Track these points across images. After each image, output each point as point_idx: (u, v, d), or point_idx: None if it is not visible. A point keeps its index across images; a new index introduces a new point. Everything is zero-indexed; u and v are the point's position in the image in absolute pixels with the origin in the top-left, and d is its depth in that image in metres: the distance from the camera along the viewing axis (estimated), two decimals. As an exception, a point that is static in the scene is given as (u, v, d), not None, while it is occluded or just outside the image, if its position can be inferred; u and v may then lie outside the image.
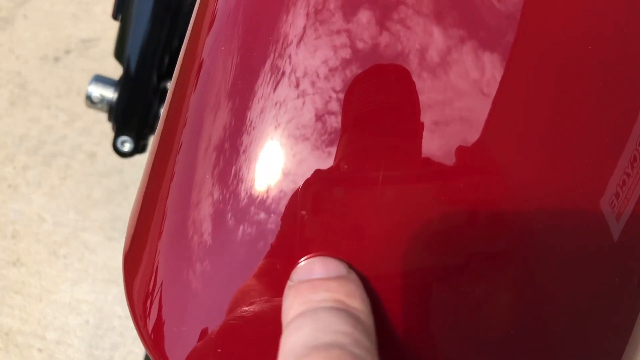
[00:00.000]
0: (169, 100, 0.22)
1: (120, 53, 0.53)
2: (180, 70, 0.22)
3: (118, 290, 0.82)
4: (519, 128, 0.19)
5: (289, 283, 0.18)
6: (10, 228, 0.86)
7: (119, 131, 0.52)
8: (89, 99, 0.53)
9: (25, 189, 0.91)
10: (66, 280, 0.82)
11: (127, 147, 0.53)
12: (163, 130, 0.22)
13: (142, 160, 0.72)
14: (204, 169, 0.19)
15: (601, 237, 0.19)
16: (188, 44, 0.22)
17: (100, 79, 0.53)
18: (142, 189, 0.22)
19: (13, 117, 0.99)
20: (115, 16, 0.53)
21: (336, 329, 0.16)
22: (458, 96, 0.19)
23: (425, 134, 0.19)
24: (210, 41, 0.21)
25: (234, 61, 0.20)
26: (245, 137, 0.19)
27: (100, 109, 0.53)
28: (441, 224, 0.18)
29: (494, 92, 0.19)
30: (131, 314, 0.20)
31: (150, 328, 0.19)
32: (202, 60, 0.21)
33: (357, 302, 0.17)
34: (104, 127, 0.97)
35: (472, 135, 0.19)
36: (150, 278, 0.20)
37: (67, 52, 1.08)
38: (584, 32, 0.19)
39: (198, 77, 0.21)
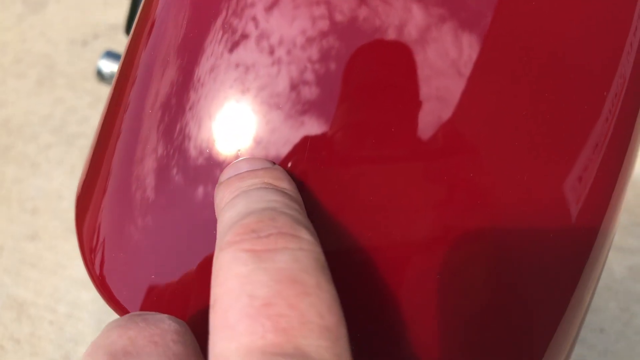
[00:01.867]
0: (122, 56, 0.22)
1: (129, 29, 0.52)
2: (135, 27, 0.21)
3: (129, 268, 0.82)
4: (491, 110, 0.19)
5: (218, 183, 0.18)
6: (31, 204, 0.87)
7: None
8: (100, 74, 0.52)
9: (46, 167, 0.91)
10: (80, 256, 0.83)
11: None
12: (115, 86, 0.22)
13: None
14: (149, 123, 0.19)
15: (560, 218, 0.18)
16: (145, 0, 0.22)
17: (110, 54, 0.52)
18: (94, 139, 0.22)
19: (39, 97, 1.00)
20: (127, 31, 0.53)
21: (268, 198, 0.16)
22: (434, 75, 0.18)
23: (394, 109, 0.18)
24: None
25: (185, 17, 0.19)
26: (191, 94, 0.19)
27: (110, 84, 0.53)
28: (409, 199, 0.18)
29: (470, 73, 0.19)
30: (80, 251, 0.21)
31: (96, 262, 0.20)
32: (155, 17, 0.20)
33: (285, 183, 0.17)
34: (125, 109, 0.97)
35: (446, 115, 0.18)
36: (97, 220, 0.20)
37: (95, 36, 1.09)
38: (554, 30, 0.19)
39: (150, 34, 0.20)
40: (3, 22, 1.10)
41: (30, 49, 1.06)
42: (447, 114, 0.17)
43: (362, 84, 0.18)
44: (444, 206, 0.18)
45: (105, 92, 0.96)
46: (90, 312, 0.78)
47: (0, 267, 0.81)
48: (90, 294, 0.80)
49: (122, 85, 0.21)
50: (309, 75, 0.18)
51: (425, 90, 0.18)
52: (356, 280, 0.18)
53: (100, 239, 0.20)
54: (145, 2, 0.21)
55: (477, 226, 0.18)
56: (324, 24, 0.18)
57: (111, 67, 0.52)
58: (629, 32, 0.19)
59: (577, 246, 0.19)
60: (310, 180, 0.18)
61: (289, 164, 0.18)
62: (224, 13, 0.19)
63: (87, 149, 0.92)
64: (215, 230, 0.18)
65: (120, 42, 1.08)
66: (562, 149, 0.19)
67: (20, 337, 0.76)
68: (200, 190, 0.18)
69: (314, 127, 0.18)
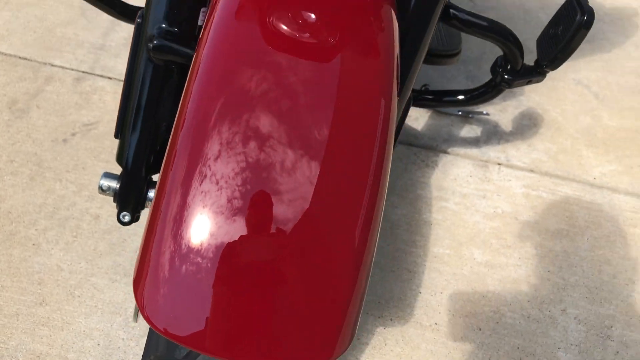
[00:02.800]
0: (157, 187, 0.48)
1: (120, 159, 0.77)
2: (162, 172, 0.48)
3: (121, 319, 1.06)
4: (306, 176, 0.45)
5: None
6: (37, 277, 1.10)
7: (121, 209, 0.77)
8: (101, 188, 0.77)
9: (46, 246, 1.14)
10: (81, 314, 1.06)
11: (127, 219, 0.78)
12: (153, 203, 0.47)
13: (135, 224, 1.02)
14: (170, 229, 0.45)
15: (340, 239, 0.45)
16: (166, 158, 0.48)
17: (108, 175, 0.77)
18: (142, 240, 0.47)
19: (33, 190, 1.23)
20: (116, 136, 0.78)
21: None
22: (286, 176, 0.45)
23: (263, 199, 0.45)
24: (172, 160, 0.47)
25: (185, 169, 0.46)
26: (186, 212, 0.45)
27: (108, 195, 0.77)
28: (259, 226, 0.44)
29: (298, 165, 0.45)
30: (136, 301, 0.45)
31: (144, 302, 0.45)
32: (171, 168, 0.47)
33: None
34: (105, 196, 1.21)
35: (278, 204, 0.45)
36: (144, 280, 0.45)
37: (73, 134, 1.33)
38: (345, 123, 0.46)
39: (167, 177, 0.46)
40: (-5, 129, 1.33)
41: (20, 149, 1.30)
42: (278, 205, 0.44)
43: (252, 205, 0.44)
44: (275, 239, 0.44)
45: (93, 184, 1.20)
46: (93, 356, 1.01)
47: (19, 329, 1.03)
48: (92, 342, 1.03)
49: (156, 206, 0.46)
50: (234, 199, 0.44)
51: (278, 187, 0.44)
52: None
53: (148, 290, 0.45)
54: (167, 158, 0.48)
55: (290, 243, 0.44)
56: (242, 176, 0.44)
57: (108, 184, 0.77)
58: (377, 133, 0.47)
59: (352, 255, 0.46)
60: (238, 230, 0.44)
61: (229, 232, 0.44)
62: (200, 166, 0.45)
63: (77, 228, 1.16)
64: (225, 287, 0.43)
65: (94, 138, 1.33)
66: (340, 203, 0.45)
67: (42, 380, 0.98)
68: (204, 262, 0.43)
69: (236, 221, 0.43)
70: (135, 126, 0.75)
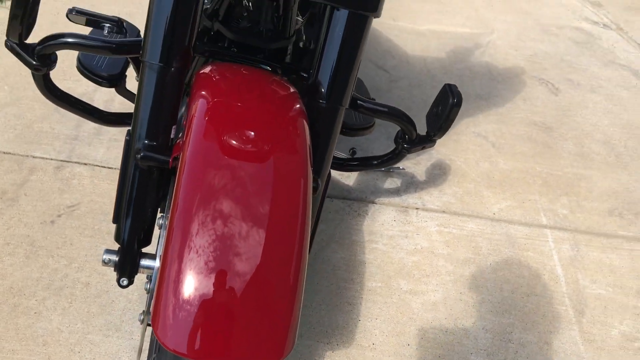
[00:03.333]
0: (162, 253, 0.73)
1: (118, 238, 1.02)
2: (165, 244, 0.73)
3: (117, 367, 1.28)
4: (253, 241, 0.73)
5: None
6: (41, 339, 1.31)
7: (120, 276, 1.01)
8: (103, 262, 1.01)
9: (46, 313, 1.36)
10: None
11: (125, 283, 1.02)
12: (161, 265, 0.73)
13: (119, 290, 1.29)
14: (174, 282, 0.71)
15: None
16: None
17: (108, 251, 1.01)
18: (156, 290, 0.73)
19: (29, 267, 1.44)
20: (114, 221, 1.03)
21: None
22: (246, 246, 0.72)
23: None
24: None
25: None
26: (183, 269, 0.71)
27: (110, 266, 1.01)
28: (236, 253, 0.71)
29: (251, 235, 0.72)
30: (152, 326, 0.70)
31: (158, 327, 0.70)
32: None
33: None
34: (92, 265, 1.44)
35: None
36: (159, 317, 0.70)
37: (59, 216, 1.56)
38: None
39: (168, 248, 0.72)
40: (-11, 217, 1.54)
41: (14, 233, 1.51)
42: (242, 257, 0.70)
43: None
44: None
45: (81, 256, 1.43)
46: (97, 399, 1.23)
47: (32, 384, 1.24)
48: (94, 388, 1.24)
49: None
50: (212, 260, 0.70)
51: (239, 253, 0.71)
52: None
53: (162, 324, 0.70)
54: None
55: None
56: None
57: (109, 258, 1.01)
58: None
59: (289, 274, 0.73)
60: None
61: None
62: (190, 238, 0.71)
63: (71, 295, 1.38)
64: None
65: (78, 217, 1.56)
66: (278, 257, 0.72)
67: (56, 423, 1.18)
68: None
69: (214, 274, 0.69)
70: (128, 213, 1.00)
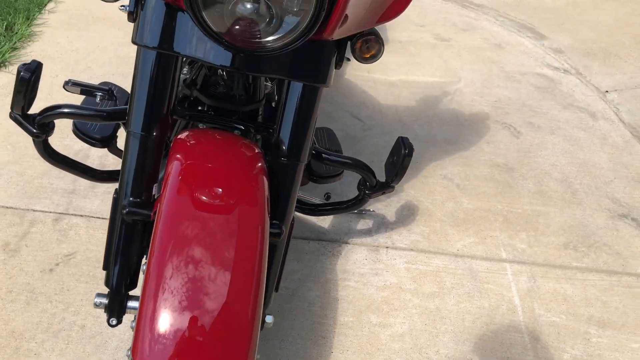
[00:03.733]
0: (141, 294, 0.87)
1: (107, 283, 1.15)
2: (143, 286, 0.87)
3: (109, 401, 1.39)
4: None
5: None
6: (40, 378, 1.43)
7: (109, 316, 1.14)
8: (95, 304, 1.14)
9: (45, 354, 1.48)
10: None
11: (114, 322, 1.14)
12: (140, 305, 0.87)
13: (112, 330, 1.44)
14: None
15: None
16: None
17: (99, 295, 1.15)
18: (135, 324, 0.86)
19: (30, 312, 1.57)
20: (104, 268, 1.17)
21: None
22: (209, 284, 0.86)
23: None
24: None
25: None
26: (158, 307, 0.85)
27: (100, 308, 1.14)
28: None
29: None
30: (132, 356, 0.84)
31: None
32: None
33: None
34: (87, 308, 1.57)
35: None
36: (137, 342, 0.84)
37: (57, 264, 1.69)
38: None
39: (146, 289, 0.86)
40: (-7, 267, 1.68)
41: (16, 281, 1.64)
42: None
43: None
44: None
45: (77, 301, 1.55)
46: None
47: (32, 419, 1.35)
48: (89, 422, 1.35)
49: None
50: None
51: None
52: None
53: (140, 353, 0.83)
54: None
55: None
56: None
57: (100, 301, 1.14)
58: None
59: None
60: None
61: None
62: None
63: (67, 337, 1.50)
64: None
65: (74, 265, 1.69)
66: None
67: None
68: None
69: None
70: (116, 261, 1.14)
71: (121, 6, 1.15)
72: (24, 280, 1.64)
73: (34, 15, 2.79)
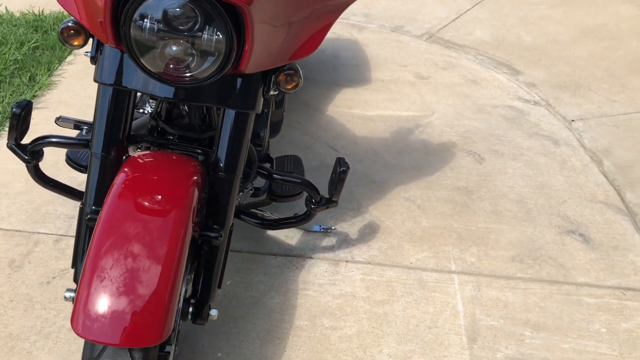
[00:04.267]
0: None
1: (75, 278, 1.37)
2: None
3: (86, 390, 1.59)
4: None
5: None
6: (30, 371, 1.64)
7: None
8: (65, 298, 1.36)
9: (36, 352, 1.69)
10: None
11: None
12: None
13: None
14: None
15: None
16: None
17: (69, 290, 1.36)
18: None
19: (27, 318, 1.79)
20: (72, 266, 1.39)
21: None
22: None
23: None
24: None
25: None
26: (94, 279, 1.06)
27: (69, 301, 1.36)
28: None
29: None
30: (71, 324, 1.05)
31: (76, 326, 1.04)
32: None
33: None
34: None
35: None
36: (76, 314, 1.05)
37: (54, 277, 1.92)
38: None
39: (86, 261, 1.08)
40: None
41: (17, 292, 1.88)
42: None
43: None
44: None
45: (64, 307, 1.78)
46: (68, 415, 1.54)
47: (20, 405, 1.56)
48: (67, 407, 1.55)
49: None
50: None
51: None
52: None
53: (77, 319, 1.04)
54: None
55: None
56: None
57: (70, 294, 1.36)
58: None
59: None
60: None
61: None
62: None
63: (57, 339, 1.72)
64: None
65: (69, 278, 1.92)
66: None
67: None
68: None
69: None
70: (82, 259, 1.37)
71: (86, 52, 1.40)
72: (24, 291, 1.88)
73: (54, 67, 3.13)
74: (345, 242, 2.09)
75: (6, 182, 2.30)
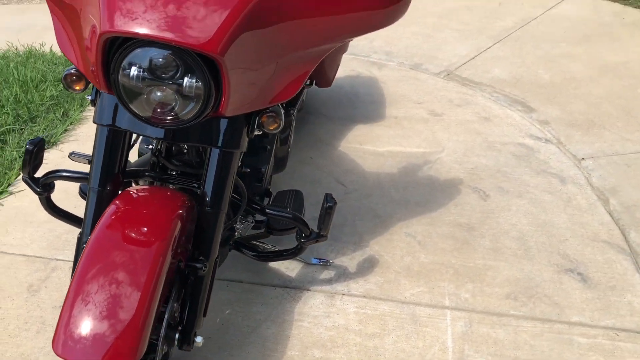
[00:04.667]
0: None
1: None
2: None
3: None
4: None
5: None
6: (36, 390, 1.74)
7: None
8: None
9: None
10: None
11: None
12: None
13: None
14: None
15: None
16: None
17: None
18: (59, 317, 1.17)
19: (38, 339, 1.91)
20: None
21: None
22: None
23: None
24: None
25: None
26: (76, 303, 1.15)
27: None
28: None
29: None
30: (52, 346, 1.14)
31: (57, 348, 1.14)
32: None
33: None
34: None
35: None
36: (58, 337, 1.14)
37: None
38: None
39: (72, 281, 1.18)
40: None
41: (32, 315, 2.00)
42: None
43: None
44: None
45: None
46: None
47: (23, 421, 1.66)
48: None
49: None
50: None
51: None
52: None
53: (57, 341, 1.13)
54: None
55: None
56: None
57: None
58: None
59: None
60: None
61: None
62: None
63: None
64: None
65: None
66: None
67: None
68: None
69: None
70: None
71: (87, 96, 1.53)
72: (38, 314, 2.00)
73: (86, 103, 3.33)
74: (343, 275, 2.14)
75: (32, 211, 2.46)
